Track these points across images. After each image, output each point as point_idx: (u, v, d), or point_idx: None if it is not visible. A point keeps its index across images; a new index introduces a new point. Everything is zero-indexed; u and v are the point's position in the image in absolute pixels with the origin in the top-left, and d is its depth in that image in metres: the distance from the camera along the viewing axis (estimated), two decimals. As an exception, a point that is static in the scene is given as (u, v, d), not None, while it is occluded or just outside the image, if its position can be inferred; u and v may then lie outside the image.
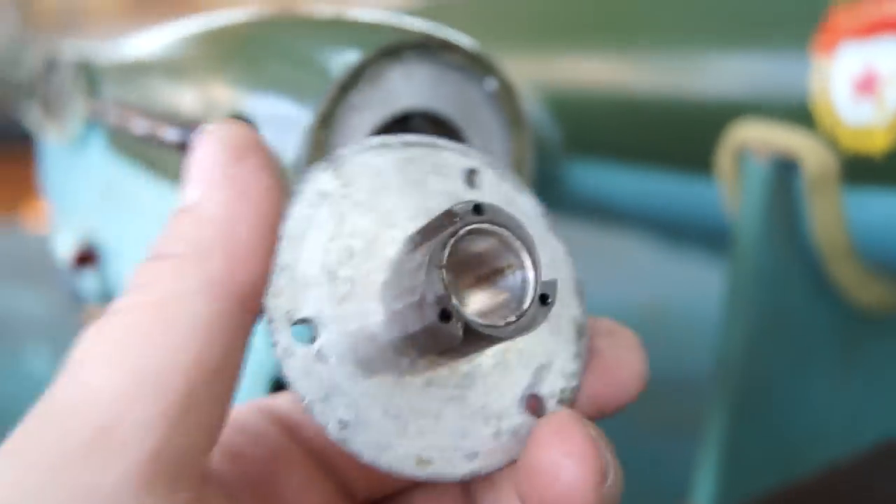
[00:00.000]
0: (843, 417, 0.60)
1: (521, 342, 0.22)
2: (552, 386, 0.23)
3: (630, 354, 0.23)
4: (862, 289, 0.53)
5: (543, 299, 0.20)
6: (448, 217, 0.19)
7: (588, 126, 0.66)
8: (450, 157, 0.23)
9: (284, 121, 0.34)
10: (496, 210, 0.19)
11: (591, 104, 0.65)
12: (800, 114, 0.51)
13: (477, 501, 0.23)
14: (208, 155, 0.20)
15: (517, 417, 0.22)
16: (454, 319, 0.18)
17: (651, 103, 0.60)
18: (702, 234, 0.64)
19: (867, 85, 0.48)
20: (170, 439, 0.17)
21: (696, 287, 0.88)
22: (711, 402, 0.53)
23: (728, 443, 0.52)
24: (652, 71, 0.61)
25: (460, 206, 0.19)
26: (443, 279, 0.18)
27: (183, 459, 0.17)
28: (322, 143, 0.34)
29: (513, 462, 0.22)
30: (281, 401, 0.25)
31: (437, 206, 0.22)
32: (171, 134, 0.39)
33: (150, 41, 0.50)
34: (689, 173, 0.59)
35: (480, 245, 0.20)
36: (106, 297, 0.57)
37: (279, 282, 0.20)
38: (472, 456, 0.21)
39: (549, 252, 0.23)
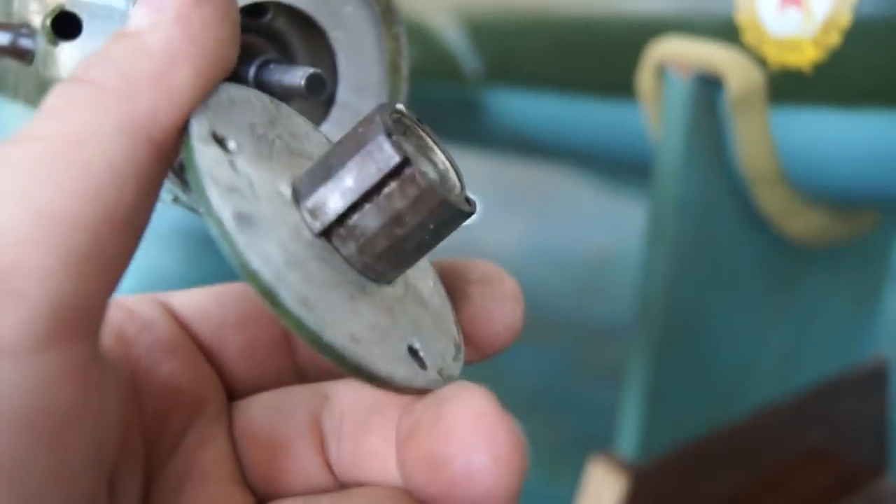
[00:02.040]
0: (774, 358, 0.57)
1: (408, 304, 0.21)
2: (434, 359, 0.20)
3: (503, 307, 0.22)
4: (792, 217, 0.50)
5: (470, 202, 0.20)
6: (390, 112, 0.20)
7: (510, 52, 0.61)
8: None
9: (110, 12, 0.31)
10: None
11: (514, 29, 0.61)
12: (724, 27, 0.47)
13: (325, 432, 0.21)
14: None
15: (400, 350, 0.19)
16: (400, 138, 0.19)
17: (574, 24, 0.56)
18: (631, 165, 0.60)
19: (795, -8, 0.44)
20: (69, 289, 0.16)
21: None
22: (634, 344, 0.50)
23: (650, 387, 0.49)
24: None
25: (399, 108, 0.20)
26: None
27: (82, 310, 0.17)
28: (152, 35, 0.30)
29: (386, 381, 0.18)
30: (176, 296, 0.24)
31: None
32: (-3, 37, 0.35)
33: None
34: (615, 98, 0.55)
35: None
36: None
37: (215, 105, 0.19)
38: (350, 334, 0.18)
39: (433, 283, 0.23)
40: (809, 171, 0.47)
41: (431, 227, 0.19)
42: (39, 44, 0.32)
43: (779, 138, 0.46)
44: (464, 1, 0.64)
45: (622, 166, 0.64)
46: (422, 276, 0.22)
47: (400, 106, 0.21)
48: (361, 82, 0.33)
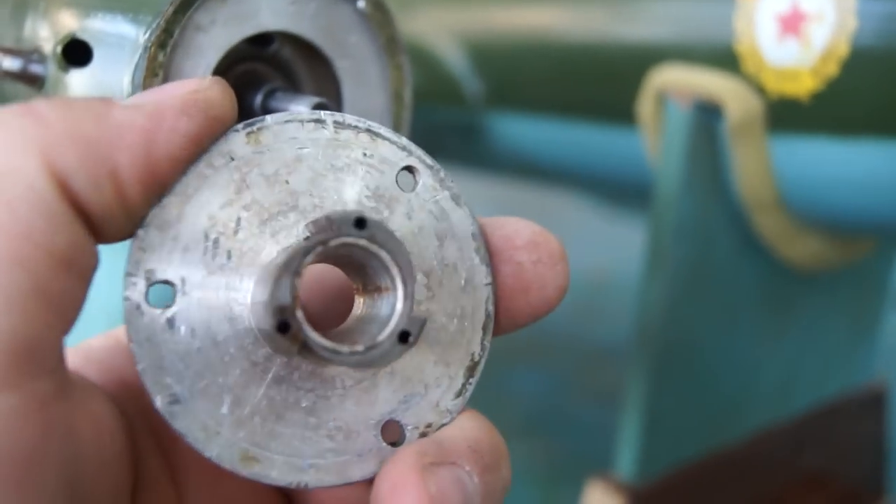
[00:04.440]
0: (772, 381, 0.57)
1: (397, 364, 0.21)
2: (419, 417, 0.21)
3: (553, 270, 0.22)
4: (790, 243, 0.50)
5: (403, 336, 0.18)
6: (326, 223, 0.18)
7: (512, 77, 0.62)
8: (387, 150, 0.21)
9: (121, 41, 0.31)
10: (379, 228, 0.18)
11: (515, 54, 0.61)
12: (724, 56, 0.47)
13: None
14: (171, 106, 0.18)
15: (367, 440, 0.20)
16: (293, 331, 0.17)
17: (575, 50, 0.57)
18: (631, 190, 0.61)
19: (792, 23, 0.44)
20: (17, 328, 0.16)
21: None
22: (632, 367, 0.50)
23: (649, 409, 0.50)
24: (575, 16, 0.57)
25: (340, 214, 0.18)
26: (292, 288, 0.17)
27: (34, 349, 0.16)
28: (161, 65, 0.30)
29: (346, 484, 0.20)
30: (96, 342, 0.23)
31: (356, 199, 0.20)
32: (9, 62, 0.35)
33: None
34: (615, 124, 0.55)
35: (363, 257, 0.19)
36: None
37: (152, 237, 0.19)
38: (306, 467, 0.20)
39: (466, 274, 0.22)
40: (807, 198, 0.48)
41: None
42: (50, 70, 0.33)
43: (777, 166, 0.47)
44: (466, 25, 0.64)
45: (622, 191, 0.64)
46: (452, 271, 0.22)
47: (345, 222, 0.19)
48: (366, 110, 0.33)
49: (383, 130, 0.21)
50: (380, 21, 0.32)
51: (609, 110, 0.55)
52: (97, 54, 0.30)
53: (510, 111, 0.62)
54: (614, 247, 1.04)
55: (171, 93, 0.19)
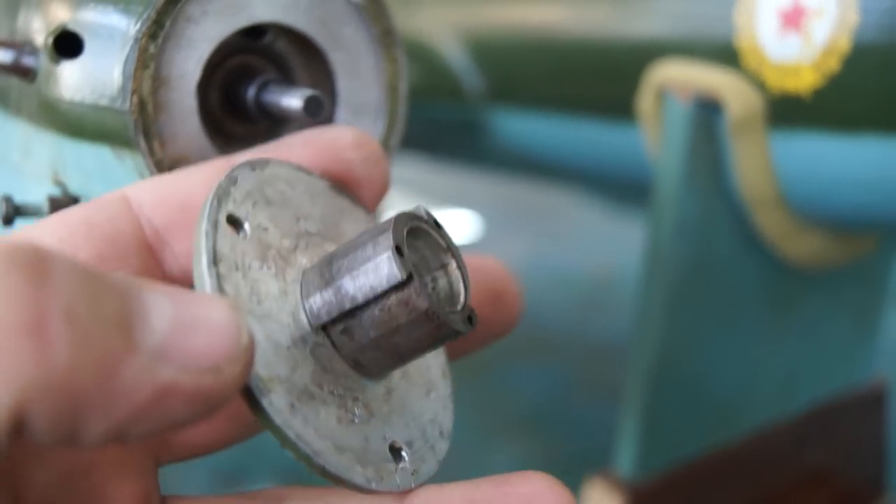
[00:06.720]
0: (772, 379, 0.57)
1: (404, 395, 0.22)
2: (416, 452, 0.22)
3: (378, 168, 0.25)
4: (791, 240, 0.50)
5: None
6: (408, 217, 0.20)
7: (513, 73, 0.62)
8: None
9: (112, 32, 0.31)
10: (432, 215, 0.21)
11: (516, 49, 0.61)
12: (724, 51, 0.47)
13: None
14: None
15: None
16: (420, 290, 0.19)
17: (576, 46, 0.56)
18: (632, 187, 0.60)
19: (794, 18, 0.44)
20: None
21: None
22: (632, 364, 0.50)
23: (649, 407, 0.49)
24: (576, 11, 0.57)
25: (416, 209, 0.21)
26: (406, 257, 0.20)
27: None
28: (152, 56, 0.30)
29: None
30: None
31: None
32: (0, 55, 0.35)
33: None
34: (616, 120, 0.55)
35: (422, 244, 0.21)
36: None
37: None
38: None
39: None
40: (809, 196, 0.47)
41: (426, 342, 0.20)
42: (42, 62, 0.32)
43: (778, 162, 0.46)
44: (466, 21, 0.64)
45: (623, 187, 0.64)
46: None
47: (421, 210, 0.21)
48: (360, 104, 0.33)
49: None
50: (375, 13, 0.32)
51: (610, 106, 0.55)
52: (88, 46, 0.30)
53: (511, 107, 0.62)
54: (615, 244, 1.04)
55: (196, 357, 0.15)
